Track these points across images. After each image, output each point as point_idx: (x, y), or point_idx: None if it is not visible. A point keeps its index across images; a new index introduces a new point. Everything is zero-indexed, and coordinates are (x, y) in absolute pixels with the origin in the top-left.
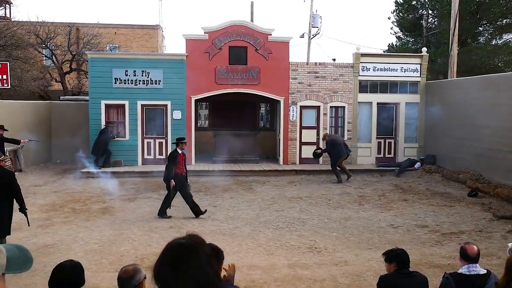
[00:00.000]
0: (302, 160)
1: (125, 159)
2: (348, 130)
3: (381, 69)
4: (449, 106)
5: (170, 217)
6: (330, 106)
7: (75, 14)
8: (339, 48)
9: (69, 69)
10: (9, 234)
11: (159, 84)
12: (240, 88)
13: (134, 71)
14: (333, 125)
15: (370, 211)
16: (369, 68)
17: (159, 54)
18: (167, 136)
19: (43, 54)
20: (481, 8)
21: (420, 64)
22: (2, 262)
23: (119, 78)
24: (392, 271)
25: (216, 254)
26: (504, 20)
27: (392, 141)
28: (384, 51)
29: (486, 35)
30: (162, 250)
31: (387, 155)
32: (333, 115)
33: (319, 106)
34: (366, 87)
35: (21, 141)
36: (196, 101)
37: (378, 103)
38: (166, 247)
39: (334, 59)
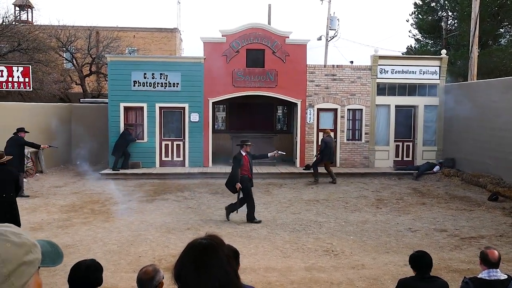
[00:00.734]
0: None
1: (143, 161)
2: (365, 133)
3: (399, 72)
4: (469, 109)
5: (260, 221)
6: (348, 109)
7: (95, 18)
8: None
9: (89, 72)
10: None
11: (177, 86)
12: (257, 90)
13: (153, 74)
14: (350, 128)
15: (388, 214)
16: (387, 71)
17: (177, 57)
18: (184, 139)
19: (64, 57)
20: (502, 10)
21: (440, 66)
22: (39, 256)
23: (138, 81)
24: (413, 275)
25: (234, 254)
26: None
27: (411, 144)
28: (402, 54)
29: (508, 36)
30: (183, 250)
31: (405, 158)
32: (350, 118)
33: (336, 109)
34: (384, 89)
35: (41, 146)
36: (214, 103)
37: (396, 106)
38: (187, 247)
39: (351, 62)
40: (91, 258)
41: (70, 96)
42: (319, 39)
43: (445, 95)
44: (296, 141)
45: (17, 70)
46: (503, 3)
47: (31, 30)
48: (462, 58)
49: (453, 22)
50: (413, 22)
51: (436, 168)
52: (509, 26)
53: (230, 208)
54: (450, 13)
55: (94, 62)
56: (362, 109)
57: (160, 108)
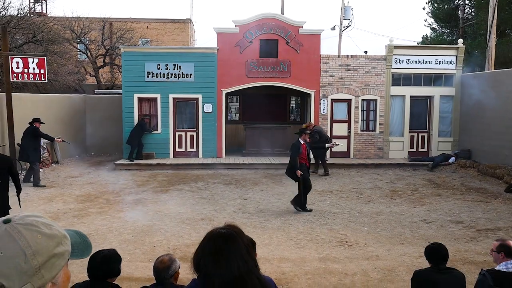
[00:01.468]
0: (333, 154)
1: (157, 151)
2: (380, 124)
3: (414, 62)
4: (486, 99)
5: (310, 210)
6: (362, 99)
7: (109, 9)
8: (371, 40)
9: (102, 63)
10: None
11: (190, 77)
12: (271, 81)
13: (166, 65)
14: (364, 118)
15: (402, 205)
16: (402, 61)
17: (191, 48)
18: (198, 129)
19: (78, 49)
20: None
21: (456, 56)
22: (68, 248)
23: (152, 72)
24: (428, 267)
25: (252, 244)
26: None
27: (426, 135)
28: (418, 43)
29: None
30: (202, 239)
31: (420, 149)
32: (364, 109)
33: (350, 99)
34: (399, 80)
35: (55, 138)
36: (227, 94)
37: (411, 96)
38: (206, 236)
39: (366, 52)
40: (108, 248)
41: (85, 87)
42: (333, 29)
43: (462, 85)
44: None
45: (33, 62)
46: None
47: (45, 21)
48: (479, 47)
49: (470, 10)
50: (429, 11)
51: (452, 159)
52: None
53: (297, 200)
54: (467, 1)
55: (107, 54)
56: (376, 100)
57: (174, 99)
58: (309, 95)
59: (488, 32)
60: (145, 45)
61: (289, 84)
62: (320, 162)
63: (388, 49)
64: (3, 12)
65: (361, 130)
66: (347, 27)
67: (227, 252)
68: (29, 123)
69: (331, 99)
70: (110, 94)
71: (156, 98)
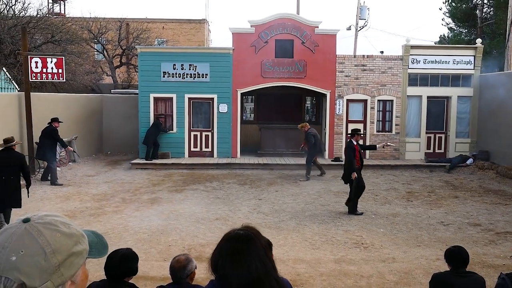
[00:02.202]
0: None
1: (173, 151)
2: (396, 124)
3: (432, 62)
4: (505, 100)
5: (361, 213)
6: (378, 100)
7: (126, 9)
8: (387, 40)
9: (119, 63)
10: (19, 206)
11: (206, 77)
12: (286, 81)
13: (182, 65)
14: (380, 119)
15: (419, 207)
16: (419, 61)
17: (206, 48)
18: (213, 129)
19: (95, 49)
20: None
21: (474, 56)
22: (86, 247)
23: (167, 72)
24: (447, 270)
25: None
26: None
27: (443, 136)
28: (435, 43)
29: None
30: (220, 241)
31: (437, 151)
32: (380, 109)
33: (366, 100)
34: (416, 80)
35: (67, 148)
36: (242, 94)
37: (428, 97)
38: (224, 238)
39: (382, 52)
40: (124, 247)
41: (101, 87)
42: (349, 29)
43: (480, 85)
44: (325, 133)
45: (51, 62)
46: None
47: (64, 22)
48: (498, 47)
49: (488, 10)
50: (446, 11)
51: (470, 161)
52: None
53: (352, 204)
54: (485, 1)
55: (124, 54)
56: (392, 100)
57: (189, 99)
58: (325, 95)
59: (507, 32)
60: (161, 45)
61: (304, 85)
62: (307, 166)
63: (405, 49)
64: (23, 13)
65: (377, 131)
66: (363, 27)
67: (245, 254)
68: (48, 123)
69: (347, 100)
70: (127, 94)
71: (172, 98)
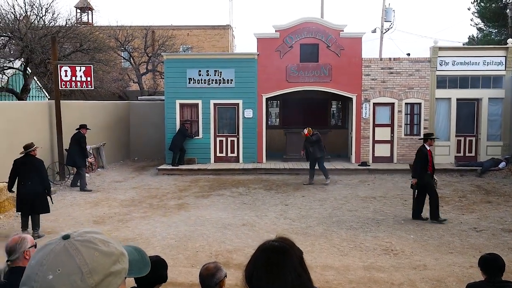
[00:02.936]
0: (375, 159)
1: (199, 157)
2: (424, 128)
3: (461, 63)
4: None
5: (426, 219)
6: (405, 103)
7: (151, 17)
8: (413, 42)
9: (145, 70)
10: (44, 211)
11: (231, 83)
12: (311, 85)
13: (207, 71)
14: (408, 122)
15: (450, 213)
16: (448, 62)
17: (231, 54)
18: (238, 135)
19: (122, 57)
20: None
21: (505, 56)
22: (126, 266)
23: (193, 78)
24: (482, 280)
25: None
26: None
27: (473, 139)
28: (463, 44)
29: None
30: (254, 252)
31: (467, 154)
32: (408, 112)
33: (393, 103)
34: (445, 82)
35: (89, 159)
36: (267, 99)
37: (457, 99)
38: (258, 249)
39: (408, 54)
40: (153, 253)
41: (128, 94)
42: (374, 31)
43: None
44: (351, 137)
45: (80, 70)
46: None
47: (91, 31)
48: None
49: None
50: (475, 10)
51: (502, 165)
52: None
53: (416, 212)
54: None
55: (150, 61)
56: (420, 103)
57: (215, 104)
58: (351, 99)
59: None
60: (186, 51)
61: (330, 89)
62: (312, 169)
63: (432, 51)
64: (52, 23)
65: (405, 135)
66: (388, 29)
67: (280, 265)
68: (76, 129)
69: (373, 103)
70: (153, 101)
71: (198, 104)
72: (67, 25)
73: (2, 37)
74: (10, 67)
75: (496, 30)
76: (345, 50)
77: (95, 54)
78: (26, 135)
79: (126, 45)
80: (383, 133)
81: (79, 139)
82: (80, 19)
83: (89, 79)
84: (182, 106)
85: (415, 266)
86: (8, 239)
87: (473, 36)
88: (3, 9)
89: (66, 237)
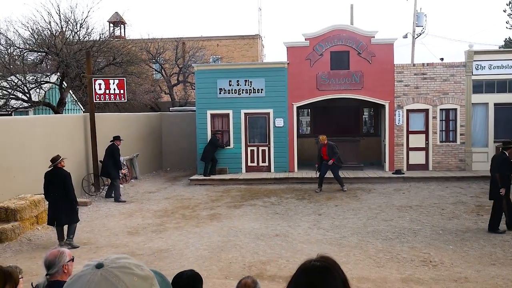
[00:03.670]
0: (410, 167)
1: (230, 166)
2: (461, 134)
3: (498, 67)
4: None
5: (503, 232)
6: (440, 109)
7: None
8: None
9: (176, 81)
10: (72, 223)
11: (261, 92)
12: (342, 93)
13: (238, 81)
14: (443, 129)
15: None
16: (484, 66)
17: (261, 63)
18: (269, 144)
19: (154, 69)
20: None
21: None
22: None
23: (223, 88)
24: None
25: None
26: None
27: None
28: (499, 47)
29: None
30: (295, 272)
31: None
32: (443, 119)
33: (427, 109)
34: (481, 87)
35: (122, 171)
36: (298, 108)
37: (495, 104)
38: (299, 269)
39: (442, 59)
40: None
41: (160, 105)
42: (405, 36)
43: None
44: (385, 144)
45: (113, 83)
46: None
47: (124, 44)
48: None
49: None
50: (511, 13)
51: None
52: None
53: (495, 224)
54: None
55: (181, 72)
56: (456, 109)
57: (245, 114)
58: (383, 106)
59: None
60: (216, 62)
61: (361, 96)
62: (338, 179)
63: (467, 55)
64: (87, 38)
65: (440, 141)
66: (420, 34)
67: (322, 286)
68: (110, 141)
69: (407, 110)
70: (184, 111)
71: (228, 114)
72: (101, 40)
73: (39, 53)
74: (47, 82)
75: None
76: (377, 57)
77: (127, 67)
78: (63, 148)
79: (157, 57)
80: (417, 140)
81: (113, 150)
82: (113, 33)
83: (122, 91)
84: (213, 116)
85: (455, 279)
86: (47, 253)
87: (509, 38)
88: (40, 26)
89: (99, 266)
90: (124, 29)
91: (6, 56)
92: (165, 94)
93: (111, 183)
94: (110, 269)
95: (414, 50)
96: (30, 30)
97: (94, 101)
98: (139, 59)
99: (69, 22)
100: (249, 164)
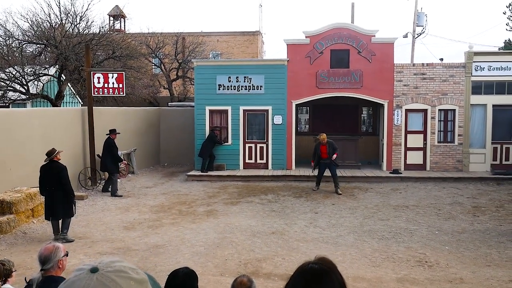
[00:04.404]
0: (408, 166)
1: (228, 163)
2: (459, 135)
3: (497, 68)
4: None
5: None
6: (439, 109)
7: (182, 24)
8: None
9: (175, 76)
10: (67, 217)
11: (260, 89)
12: (342, 92)
13: (237, 77)
14: (441, 129)
15: (487, 223)
16: (484, 68)
17: (261, 60)
18: (268, 141)
19: (153, 63)
20: None
21: None
22: None
23: (223, 84)
24: None
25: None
26: None
27: (510, 146)
28: (499, 49)
29: None
30: (293, 274)
31: (504, 162)
32: (442, 119)
33: (426, 110)
34: (480, 88)
35: (122, 163)
36: (297, 105)
37: (493, 105)
38: (297, 271)
39: (441, 59)
40: (182, 263)
41: (159, 100)
42: (405, 36)
43: None
44: (383, 144)
45: (112, 77)
46: None
47: (124, 38)
48: None
49: None
50: (511, 14)
51: None
52: None
53: None
54: None
55: (180, 67)
56: (455, 110)
57: (244, 111)
58: (382, 105)
59: None
60: (215, 58)
61: (360, 95)
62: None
63: (467, 56)
64: (86, 31)
65: (438, 142)
66: (420, 34)
67: None
68: (106, 135)
69: (406, 110)
70: (183, 107)
71: (227, 110)
72: (100, 33)
73: (38, 45)
74: (45, 74)
75: None
76: (377, 56)
77: (127, 61)
78: (60, 141)
79: (157, 52)
80: (415, 140)
81: (109, 144)
82: (113, 26)
83: (121, 85)
84: (211, 112)
85: (451, 280)
86: (41, 248)
87: (509, 40)
88: (40, 18)
89: (94, 270)
90: (124, 23)
91: (4, 47)
92: (164, 89)
93: (108, 177)
94: (106, 273)
95: (414, 50)
96: (30, 21)
97: (93, 95)
98: (138, 53)
99: (69, 14)
100: (247, 161)
